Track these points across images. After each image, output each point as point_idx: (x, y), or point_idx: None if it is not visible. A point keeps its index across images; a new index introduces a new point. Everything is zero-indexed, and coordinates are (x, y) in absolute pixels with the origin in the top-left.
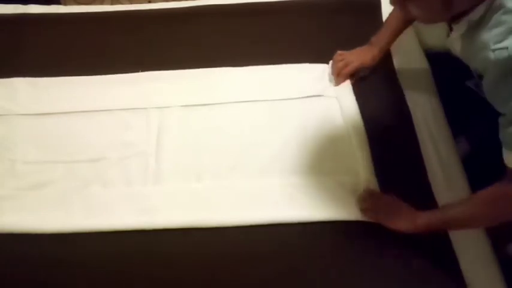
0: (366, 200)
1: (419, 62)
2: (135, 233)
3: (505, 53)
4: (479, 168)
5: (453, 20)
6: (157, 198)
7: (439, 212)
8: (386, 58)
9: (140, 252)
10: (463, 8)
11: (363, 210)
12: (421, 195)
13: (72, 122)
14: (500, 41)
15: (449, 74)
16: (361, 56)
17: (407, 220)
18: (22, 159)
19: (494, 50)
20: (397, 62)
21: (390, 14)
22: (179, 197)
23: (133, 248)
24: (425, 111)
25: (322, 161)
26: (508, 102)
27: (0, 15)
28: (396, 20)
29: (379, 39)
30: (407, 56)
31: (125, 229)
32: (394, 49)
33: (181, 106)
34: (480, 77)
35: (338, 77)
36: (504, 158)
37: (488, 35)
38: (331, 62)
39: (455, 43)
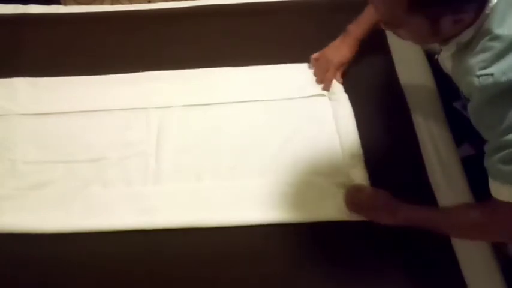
0: (348, 194)
1: (420, 63)
2: (135, 233)
3: (489, 80)
4: (479, 169)
5: (443, 41)
6: (157, 198)
7: (420, 211)
8: (386, 59)
9: (140, 252)
10: (452, 33)
11: (346, 204)
12: (421, 195)
13: (72, 122)
14: (486, 67)
15: (449, 81)
16: (337, 53)
17: (387, 212)
18: (22, 159)
19: (479, 76)
20: (397, 62)
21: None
22: (179, 197)
23: (133, 248)
24: (425, 111)
25: (321, 162)
26: (491, 130)
27: (0, 15)
28: None
29: (356, 29)
30: (408, 56)
31: (125, 229)
32: (394, 50)
33: (182, 106)
34: (467, 99)
35: (324, 83)
36: (490, 187)
37: (474, 60)
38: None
39: (446, 61)
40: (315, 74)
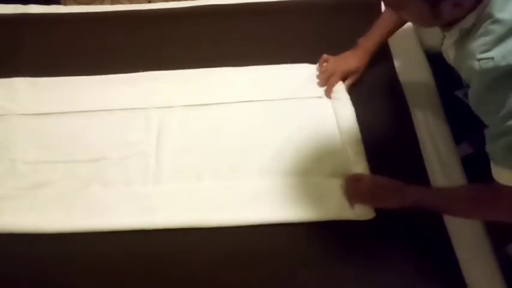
0: (348, 186)
1: (420, 62)
2: (135, 233)
3: (490, 63)
4: (479, 169)
5: (446, 27)
6: (157, 198)
7: (427, 193)
8: (386, 58)
9: (140, 252)
10: (453, 17)
11: (348, 197)
12: None
13: (72, 122)
14: (486, 51)
15: (450, 75)
16: (345, 62)
17: (395, 196)
18: (22, 159)
19: (479, 60)
20: (397, 62)
21: (382, 14)
22: (179, 197)
23: (133, 248)
24: (425, 111)
25: (321, 162)
26: (492, 116)
27: (0, 15)
28: (388, 21)
29: (366, 42)
30: (407, 56)
31: (125, 229)
32: (394, 49)
33: (182, 106)
34: (469, 87)
35: (326, 86)
36: (492, 172)
37: (475, 44)
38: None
39: (449, 51)
40: (320, 78)
